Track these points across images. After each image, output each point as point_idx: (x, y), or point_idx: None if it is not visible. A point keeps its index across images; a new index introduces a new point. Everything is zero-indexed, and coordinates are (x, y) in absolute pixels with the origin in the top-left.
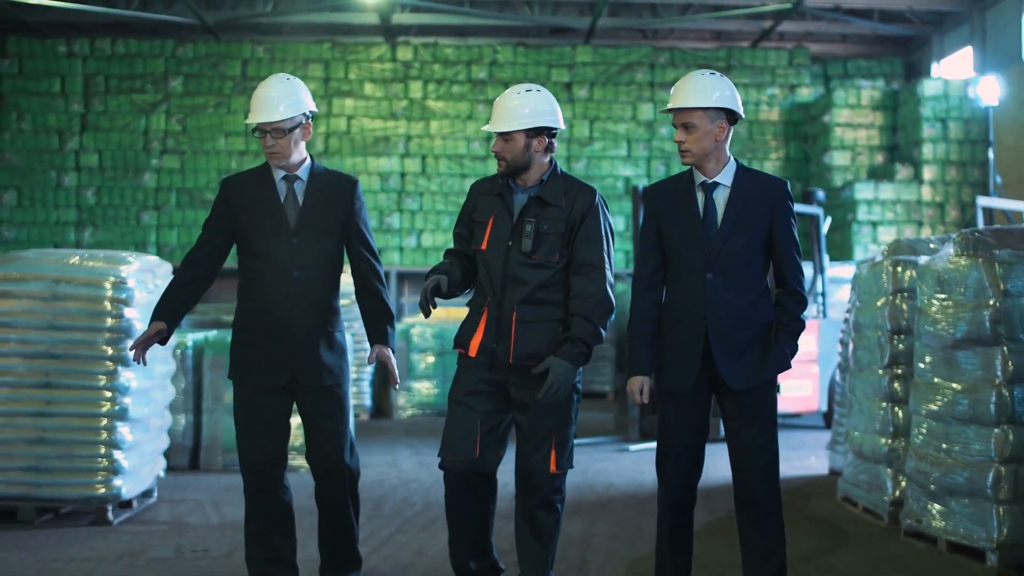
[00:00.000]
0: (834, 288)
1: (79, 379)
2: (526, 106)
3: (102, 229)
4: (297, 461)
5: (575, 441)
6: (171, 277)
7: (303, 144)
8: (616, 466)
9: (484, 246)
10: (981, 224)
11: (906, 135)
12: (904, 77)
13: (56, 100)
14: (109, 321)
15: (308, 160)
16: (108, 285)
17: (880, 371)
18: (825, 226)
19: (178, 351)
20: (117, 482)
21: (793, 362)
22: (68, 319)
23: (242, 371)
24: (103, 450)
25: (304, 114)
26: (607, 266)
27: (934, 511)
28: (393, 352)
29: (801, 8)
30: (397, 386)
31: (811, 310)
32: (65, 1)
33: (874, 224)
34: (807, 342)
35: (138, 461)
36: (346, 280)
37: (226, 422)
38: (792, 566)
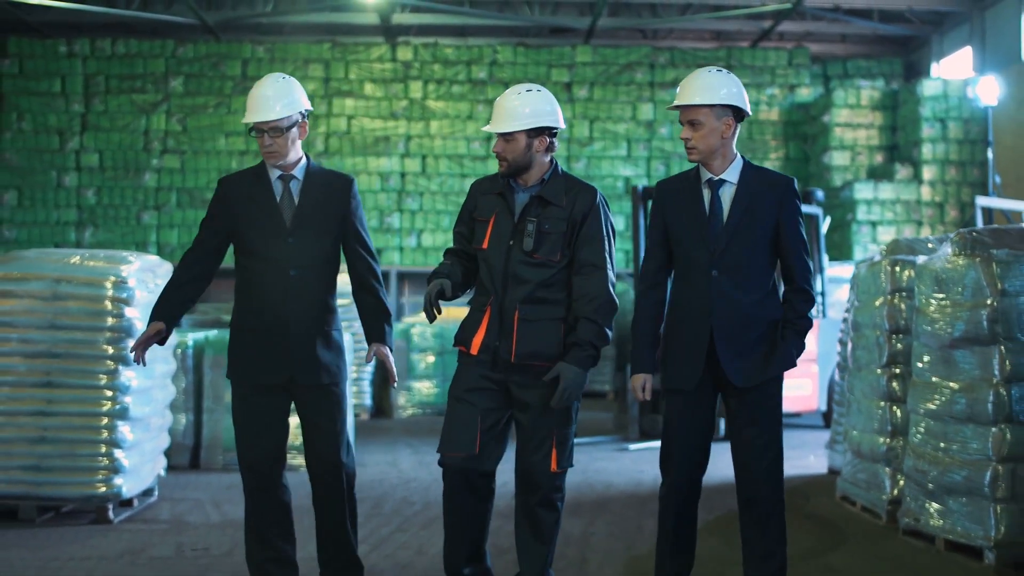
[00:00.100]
0: (833, 288)
1: (80, 378)
2: (527, 106)
3: (102, 229)
4: (297, 460)
5: (575, 440)
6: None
7: (299, 143)
8: (616, 465)
9: (485, 245)
10: (980, 224)
11: (905, 135)
12: (904, 77)
13: (56, 100)
14: (110, 320)
15: (304, 159)
16: (109, 284)
17: (878, 370)
18: (824, 226)
19: (179, 350)
20: (118, 481)
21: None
22: (69, 318)
23: (240, 370)
24: (104, 449)
25: (301, 113)
26: (609, 266)
27: (932, 510)
28: (391, 350)
29: (801, 8)
30: (395, 384)
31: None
32: (65, 1)
33: (873, 224)
34: (807, 341)
35: (139, 460)
36: (344, 279)
37: (226, 421)
38: (791, 565)
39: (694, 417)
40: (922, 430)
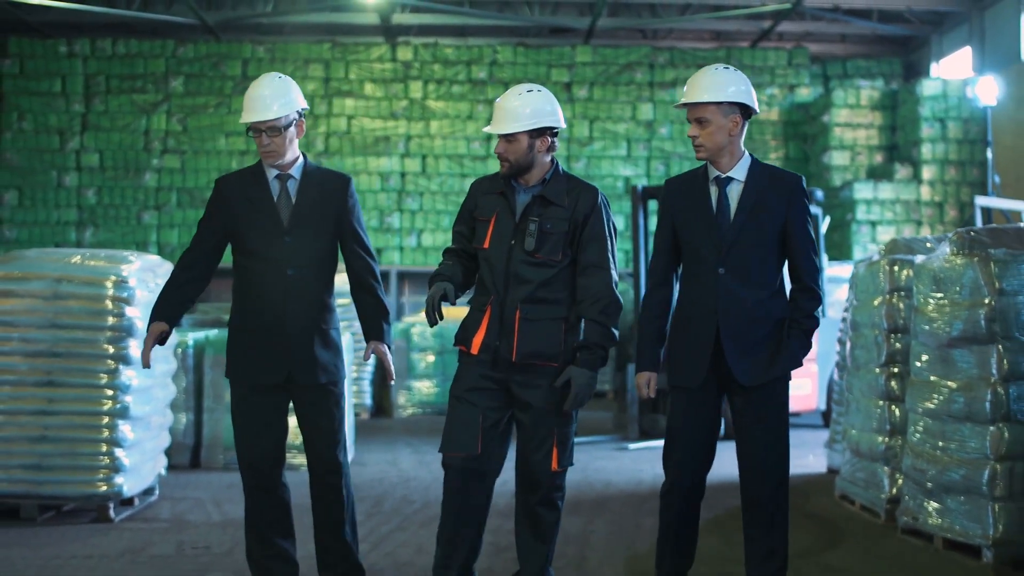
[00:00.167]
0: (833, 287)
1: (81, 377)
2: (527, 106)
3: (103, 229)
4: (297, 459)
5: (574, 439)
6: None
7: (296, 142)
8: (615, 464)
9: (487, 244)
10: (980, 223)
11: (905, 135)
12: (903, 77)
13: (57, 100)
14: (110, 320)
15: (301, 158)
16: (109, 284)
17: (877, 369)
18: (824, 226)
19: (179, 350)
20: (119, 480)
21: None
22: (70, 318)
23: (239, 370)
24: (105, 448)
25: (297, 111)
26: (612, 266)
27: (930, 508)
28: (390, 348)
29: (800, 8)
30: (393, 382)
31: None
32: (66, 1)
33: (873, 224)
34: None
35: (139, 459)
36: (343, 279)
37: (227, 420)
38: (790, 563)
39: (698, 415)
40: (920, 429)
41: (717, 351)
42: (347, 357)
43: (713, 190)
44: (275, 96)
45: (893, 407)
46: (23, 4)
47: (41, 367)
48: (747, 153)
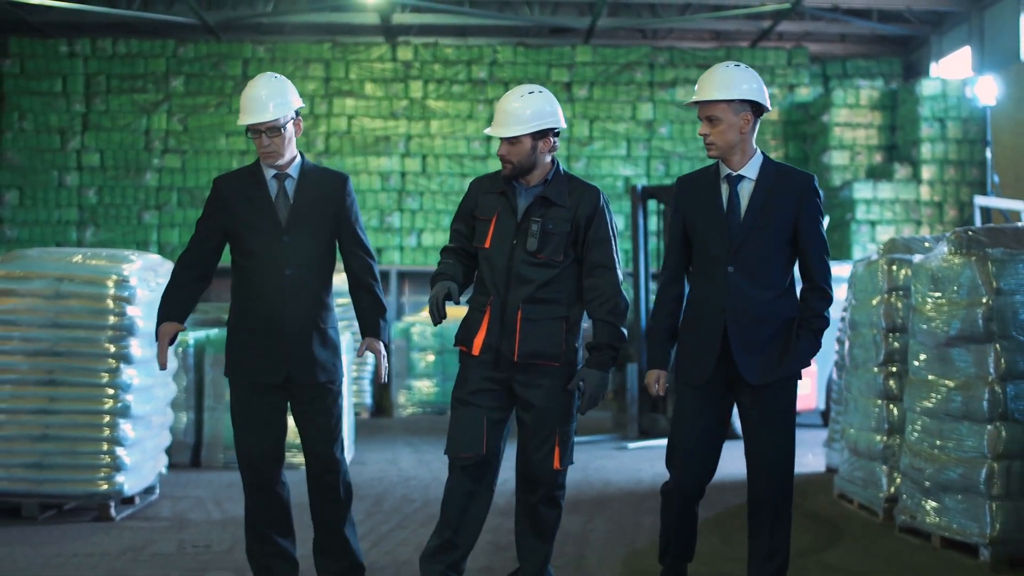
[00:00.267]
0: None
1: (82, 376)
2: (529, 108)
3: (104, 228)
4: (297, 458)
5: (574, 439)
6: None
7: (294, 141)
8: (615, 464)
9: (487, 244)
10: (979, 223)
11: (904, 135)
12: (903, 77)
13: (58, 100)
14: (112, 319)
15: (299, 158)
16: (111, 283)
17: (875, 369)
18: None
19: (180, 349)
20: (119, 478)
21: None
22: (71, 317)
23: (238, 370)
24: (106, 447)
25: (295, 110)
26: (617, 266)
27: (928, 507)
28: (385, 346)
29: (800, 8)
30: (383, 380)
31: None
32: (67, 1)
33: (872, 223)
34: None
35: (140, 458)
36: (342, 278)
37: (227, 419)
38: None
39: (703, 414)
40: (918, 428)
41: (725, 349)
42: (346, 357)
43: (724, 188)
44: (272, 96)
45: (891, 406)
46: (24, 4)
47: (42, 366)
48: (759, 151)
